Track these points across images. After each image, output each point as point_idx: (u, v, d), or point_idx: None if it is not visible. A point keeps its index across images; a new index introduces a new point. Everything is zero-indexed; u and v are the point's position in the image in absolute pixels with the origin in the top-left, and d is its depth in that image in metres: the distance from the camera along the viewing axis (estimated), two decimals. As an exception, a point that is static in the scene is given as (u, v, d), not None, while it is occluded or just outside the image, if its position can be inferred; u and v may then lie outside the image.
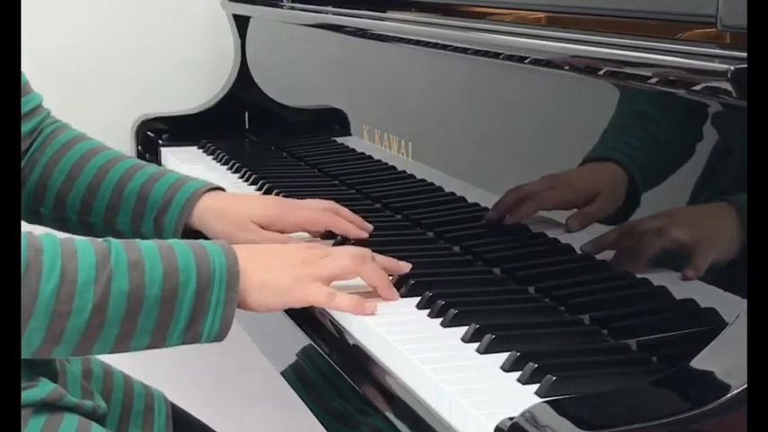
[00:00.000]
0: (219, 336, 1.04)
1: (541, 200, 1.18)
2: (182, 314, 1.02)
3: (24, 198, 1.36)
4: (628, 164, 1.06)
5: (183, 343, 1.04)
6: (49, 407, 1.12)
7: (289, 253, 1.14)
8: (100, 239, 1.05)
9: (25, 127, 1.33)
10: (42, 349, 0.99)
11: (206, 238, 1.31)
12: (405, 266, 1.22)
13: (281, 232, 1.34)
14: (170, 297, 1.01)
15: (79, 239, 1.03)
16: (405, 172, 1.52)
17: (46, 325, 0.98)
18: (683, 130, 0.99)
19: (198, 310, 1.02)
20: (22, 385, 1.11)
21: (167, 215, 1.32)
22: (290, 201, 1.40)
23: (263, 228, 1.33)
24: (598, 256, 1.09)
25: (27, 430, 1.08)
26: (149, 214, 1.32)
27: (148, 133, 2.13)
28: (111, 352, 1.02)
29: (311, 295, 1.10)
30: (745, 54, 0.86)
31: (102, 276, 0.99)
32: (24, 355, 0.99)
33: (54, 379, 1.15)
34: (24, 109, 1.33)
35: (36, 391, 1.10)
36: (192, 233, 1.32)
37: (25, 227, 1.06)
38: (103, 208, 1.34)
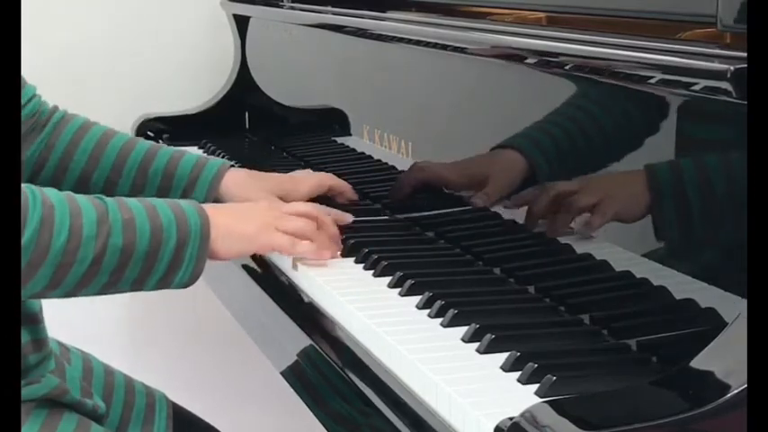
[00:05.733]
0: (187, 285, 1.14)
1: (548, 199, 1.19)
2: (160, 266, 1.11)
3: (43, 183, 1.38)
4: (628, 162, 1.06)
5: (155, 289, 1.13)
6: (50, 403, 1.13)
7: (254, 208, 1.26)
8: (92, 196, 1.12)
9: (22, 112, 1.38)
10: (41, 293, 1.07)
11: None
12: (348, 217, 1.37)
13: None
14: (154, 252, 1.11)
15: (79, 196, 1.11)
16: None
17: (51, 273, 1.05)
18: (684, 130, 0.99)
19: (174, 263, 1.12)
20: (27, 380, 1.12)
21: (195, 190, 1.40)
22: (294, 176, 1.51)
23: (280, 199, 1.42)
24: (598, 257, 1.09)
25: (27, 426, 1.09)
26: (176, 190, 1.40)
27: (148, 133, 2.13)
28: (93, 295, 1.11)
29: (275, 242, 1.22)
30: (745, 54, 0.86)
31: (102, 232, 1.08)
32: (23, 297, 1.07)
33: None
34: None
35: (40, 386, 1.13)
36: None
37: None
38: (128, 185, 1.40)
